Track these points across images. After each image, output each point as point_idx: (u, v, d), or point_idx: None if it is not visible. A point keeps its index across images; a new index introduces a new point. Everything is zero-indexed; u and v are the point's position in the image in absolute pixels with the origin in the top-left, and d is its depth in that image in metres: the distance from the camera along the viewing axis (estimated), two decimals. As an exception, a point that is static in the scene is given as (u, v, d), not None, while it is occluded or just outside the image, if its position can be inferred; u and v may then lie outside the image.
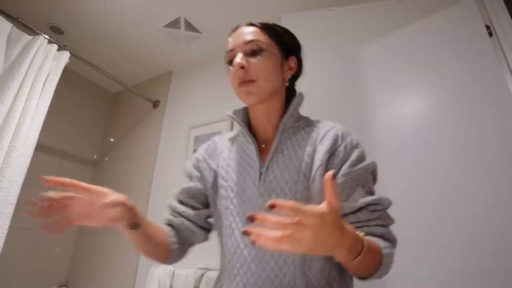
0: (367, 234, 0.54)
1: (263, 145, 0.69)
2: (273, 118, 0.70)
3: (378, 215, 0.57)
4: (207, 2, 1.81)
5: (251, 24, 0.69)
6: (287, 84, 0.72)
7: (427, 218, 1.04)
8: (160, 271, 1.57)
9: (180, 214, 0.70)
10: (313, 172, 0.60)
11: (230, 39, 0.70)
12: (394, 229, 0.60)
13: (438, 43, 1.21)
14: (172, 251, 0.67)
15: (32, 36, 1.60)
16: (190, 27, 1.98)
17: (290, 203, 0.36)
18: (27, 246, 1.99)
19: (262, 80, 0.64)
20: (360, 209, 0.57)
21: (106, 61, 2.33)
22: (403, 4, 1.38)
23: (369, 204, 0.57)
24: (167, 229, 0.69)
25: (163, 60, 2.35)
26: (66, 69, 1.75)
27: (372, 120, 1.27)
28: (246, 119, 0.74)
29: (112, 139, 2.56)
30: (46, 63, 1.61)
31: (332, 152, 0.61)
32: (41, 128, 1.56)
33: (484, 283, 0.89)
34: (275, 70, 0.67)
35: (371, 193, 0.60)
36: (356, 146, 0.62)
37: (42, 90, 1.59)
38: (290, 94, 0.75)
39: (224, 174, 0.69)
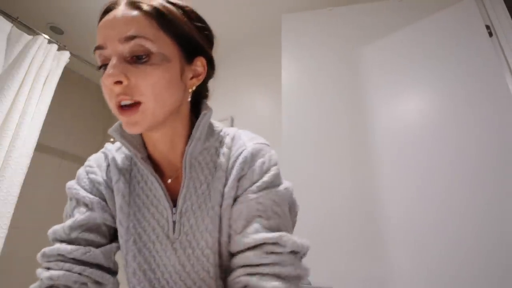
0: (255, 287, 0.40)
1: (168, 180, 0.52)
2: (179, 144, 0.52)
3: (274, 260, 0.41)
4: (206, 2, 1.81)
5: (131, 3, 0.43)
6: (189, 99, 0.51)
7: (427, 216, 1.04)
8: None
9: (75, 260, 0.46)
10: (221, 212, 0.49)
11: (99, 26, 0.43)
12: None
13: (438, 43, 1.21)
14: None
15: (32, 36, 1.60)
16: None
17: None
18: (27, 246, 1.99)
19: (152, 101, 0.42)
20: (252, 247, 0.43)
21: (106, 61, 2.33)
22: (403, 4, 1.38)
23: (264, 243, 0.42)
24: None
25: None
26: (66, 69, 1.75)
27: (372, 120, 1.27)
28: (142, 141, 0.54)
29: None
30: (46, 63, 1.62)
31: (237, 184, 0.49)
32: (41, 128, 1.56)
33: (482, 277, 0.90)
34: (173, 83, 0.44)
35: (278, 230, 0.45)
36: (266, 171, 0.49)
37: (42, 90, 1.59)
38: (198, 100, 0.55)
39: (121, 216, 0.50)
